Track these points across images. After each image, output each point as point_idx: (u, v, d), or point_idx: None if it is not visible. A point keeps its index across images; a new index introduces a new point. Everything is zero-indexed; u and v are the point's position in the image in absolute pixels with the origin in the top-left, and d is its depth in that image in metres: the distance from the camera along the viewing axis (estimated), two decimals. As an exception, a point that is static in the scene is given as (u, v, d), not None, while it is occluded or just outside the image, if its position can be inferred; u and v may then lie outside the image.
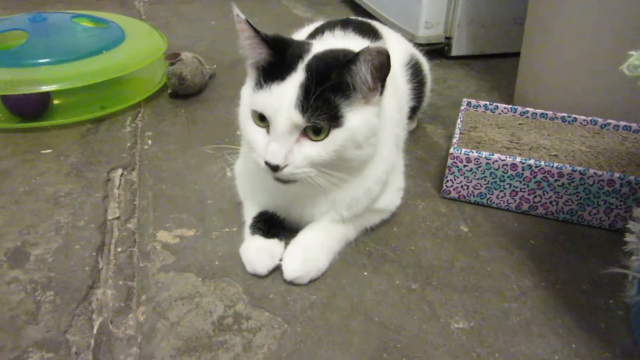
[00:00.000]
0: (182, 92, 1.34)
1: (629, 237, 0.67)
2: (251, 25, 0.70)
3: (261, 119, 0.71)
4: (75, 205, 0.94)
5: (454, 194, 0.98)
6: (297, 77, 0.69)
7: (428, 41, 1.61)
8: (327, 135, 0.69)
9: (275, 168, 0.69)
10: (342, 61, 0.68)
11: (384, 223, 0.91)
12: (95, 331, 0.70)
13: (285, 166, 0.69)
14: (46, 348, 0.67)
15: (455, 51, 1.65)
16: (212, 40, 1.80)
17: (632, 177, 0.86)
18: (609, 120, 1.07)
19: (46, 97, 1.22)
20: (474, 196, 0.97)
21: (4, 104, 1.19)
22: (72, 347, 0.67)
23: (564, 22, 1.13)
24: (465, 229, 0.92)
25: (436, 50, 1.65)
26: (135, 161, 1.09)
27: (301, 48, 0.73)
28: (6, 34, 1.30)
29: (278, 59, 0.71)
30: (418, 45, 1.23)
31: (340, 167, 0.73)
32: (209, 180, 1.03)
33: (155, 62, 1.43)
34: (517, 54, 1.36)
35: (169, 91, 1.36)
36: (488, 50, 1.67)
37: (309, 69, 0.69)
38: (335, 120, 0.69)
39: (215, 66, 1.50)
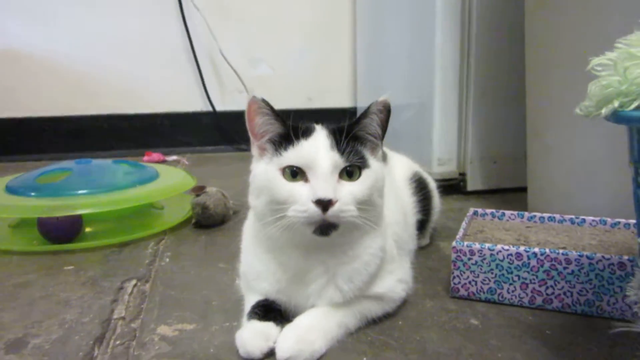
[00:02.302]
0: (205, 222, 1.42)
1: (629, 291, 0.63)
2: (268, 103, 0.78)
3: (293, 175, 0.75)
4: (83, 306, 0.96)
5: (463, 292, 0.95)
6: (322, 133, 0.78)
7: (442, 177, 1.67)
8: (359, 176, 0.76)
9: (326, 205, 0.71)
10: (354, 119, 0.79)
11: (388, 317, 0.88)
12: (75, 405, 0.67)
13: (336, 202, 0.71)
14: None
15: (470, 186, 1.70)
16: (241, 188, 1.92)
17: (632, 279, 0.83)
18: (618, 220, 1.05)
19: (78, 224, 1.31)
20: (484, 292, 0.93)
21: (39, 229, 1.29)
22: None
23: (560, 134, 1.19)
24: (476, 322, 0.87)
25: (452, 186, 1.71)
26: (150, 275, 1.12)
27: (310, 124, 0.81)
28: (53, 173, 1.45)
29: (293, 130, 0.77)
30: (435, 180, 1.29)
31: (370, 214, 0.77)
32: (218, 287, 1.04)
33: (184, 199, 1.55)
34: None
35: (193, 221, 1.44)
36: (503, 184, 1.72)
37: (330, 128, 0.79)
38: (364, 161, 0.77)
39: (240, 204, 1.60)
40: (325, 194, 0.71)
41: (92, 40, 2.53)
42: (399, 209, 1.02)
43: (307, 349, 0.74)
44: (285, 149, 0.76)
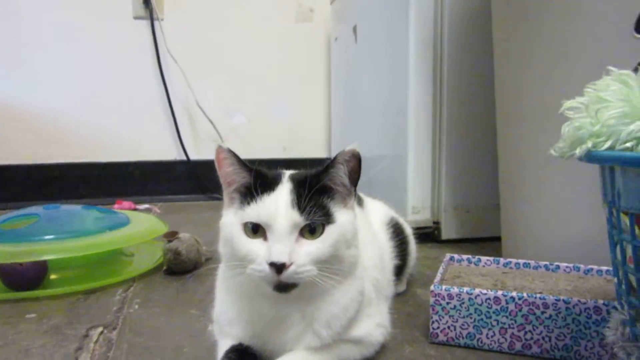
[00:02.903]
0: (177, 268, 1.38)
1: (608, 332, 0.63)
2: (234, 153, 0.78)
3: (254, 230, 0.74)
4: (45, 355, 0.91)
5: (442, 337, 0.93)
6: (285, 186, 0.75)
7: (417, 225, 1.68)
8: (322, 233, 0.73)
9: (280, 268, 0.69)
10: (321, 169, 0.77)
11: (367, 362, 0.86)
12: None
13: (291, 265, 0.70)
14: None
15: (445, 235, 1.71)
16: (214, 236, 1.89)
17: (616, 302, 0.83)
18: (591, 267, 1.07)
19: (43, 270, 1.26)
20: (462, 337, 0.92)
21: (0, 276, 1.23)
22: None
23: (531, 181, 1.22)
24: (455, 368, 0.85)
25: (427, 234, 1.72)
26: (118, 322, 1.07)
27: (276, 171, 0.81)
28: (18, 219, 1.41)
29: (261, 180, 0.77)
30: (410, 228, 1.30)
31: (335, 268, 0.75)
32: (189, 333, 1.00)
33: (154, 246, 1.51)
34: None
35: (164, 268, 1.40)
36: (477, 234, 1.74)
37: (293, 179, 0.77)
38: (327, 217, 0.74)
39: (213, 250, 1.57)
40: (278, 258, 0.70)
41: (66, 87, 2.53)
42: (376, 253, 1.01)
43: (283, 395, 0.71)
44: (249, 203, 0.75)
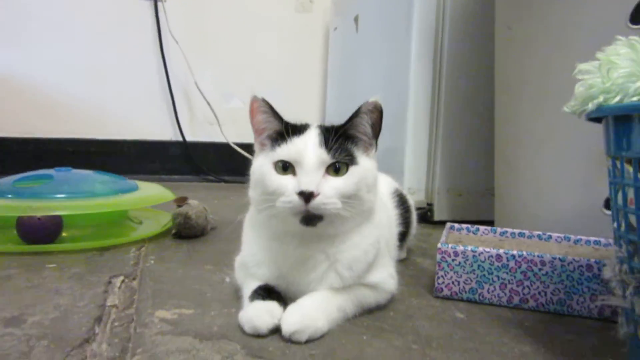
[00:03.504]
0: (186, 232, 1.43)
1: (605, 270, 0.72)
2: (267, 102, 0.85)
3: (284, 168, 0.81)
4: (75, 294, 0.96)
5: (446, 292, 1.01)
6: (314, 131, 0.83)
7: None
8: (346, 172, 0.81)
9: (308, 197, 0.76)
10: (346, 120, 0.84)
11: (379, 309, 0.93)
12: (88, 367, 0.68)
13: (318, 195, 0.77)
14: (37, 374, 0.64)
15: (437, 216, 1.80)
16: (214, 210, 1.95)
17: (607, 260, 0.92)
18: (580, 237, 1.16)
19: (58, 226, 1.30)
20: (465, 292, 1.00)
21: (18, 229, 1.27)
22: (63, 375, 0.65)
23: (526, 159, 1.31)
24: (461, 315, 0.93)
25: (421, 215, 1.80)
26: (137, 273, 1.12)
27: (306, 123, 0.88)
28: (32, 179, 1.44)
29: (289, 128, 0.84)
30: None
31: (358, 208, 0.82)
32: (209, 283, 1.06)
33: (162, 215, 1.56)
34: (492, 222, 1.52)
35: (173, 232, 1.45)
36: (466, 217, 1.83)
37: (322, 127, 0.85)
38: (352, 159, 0.82)
39: (218, 219, 1.62)
40: (307, 187, 0.77)
41: (65, 63, 2.55)
42: (385, 216, 1.08)
43: (312, 325, 0.78)
44: (280, 145, 0.83)
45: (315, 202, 0.77)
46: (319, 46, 2.84)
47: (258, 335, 0.78)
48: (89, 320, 0.83)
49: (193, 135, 2.73)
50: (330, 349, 0.76)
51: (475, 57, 1.76)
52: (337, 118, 0.87)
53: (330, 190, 0.79)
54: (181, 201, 1.45)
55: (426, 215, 1.82)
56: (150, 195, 1.50)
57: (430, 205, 1.81)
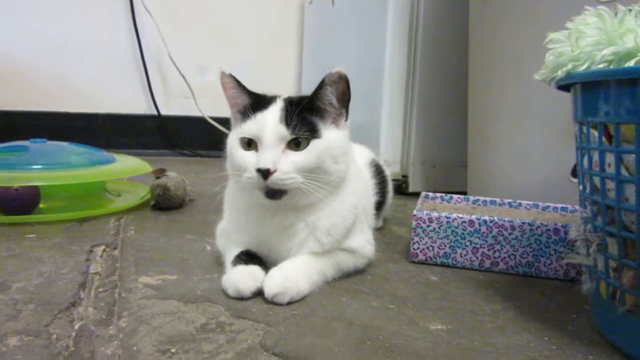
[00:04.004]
0: (165, 203, 1.44)
1: (571, 230, 0.76)
2: (234, 78, 0.87)
3: (249, 144, 0.83)
4: (57, 263, 0.96)
5: (421, 257, 1.05)
6: (278, 105, 0.84)
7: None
8: (307, 146, 0.81)
9: (266, 174, 0.78)
10: (311, 92, 0.85)
11: (358, 273, 0.96)
12: (76, 328, 0.69)
13: (275, 171, 0.78)
14: (26, 334, 0.65)
15: (412, 187, 1.84)
16: (191, 183, 1.95)
17: (572, 224, 0.97)
18: (548, 204, 1.21)
19: (36, 198, 1.29)
20: (439, 257, 1.04)
21: (-5, 201, 1.26)
22: (52, 334, 0.66)
23: (498, 129, 1.35)
24: (435, 278, 0.97)
25: (396, 187, 1.84)
26: (117, 242, 1.13)
27: (274, 95, 0.89)
28: (7, 150, 1.42)
29: (258, 101, 0.86)
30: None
31: (323, 179, 0.83)
32: (190, 251, 1.08)
33: (139, 187, 1.56)
34: (465, 193, 1.56)
35: (152, 203, 1.45)
36: (441, 188, 1.87)
37: (287, 100, 0.85)
38: (314, 133, 0.82)
39: (196, 192, 1.63)
40: (264, 164, 0.79)
41: (34, 35, 2.48)
42: (363, 186, 1.11)
43: (293, 287, 0.81)
44: (246, 120, 0.85)
45: (272, 179, 0.79)
46: (295, 19, 2.83)
47: (241, 298, 0.81)
48: (74, 286, 0.84)
49: (168, 108, 2.71)
50: (311, 309, 0.79)
51: (451, 30, 1.78)
52: (313, 88, 0.88)
53: (288, 165, 0.80)
54: (160, 173, 1.45)
55: (401, 187, 1.86)
56: (127, 166, 1.50)
57: (405, 177, 1.85)
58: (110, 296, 0.82)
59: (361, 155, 1.27)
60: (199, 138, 2.69)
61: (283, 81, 2.87)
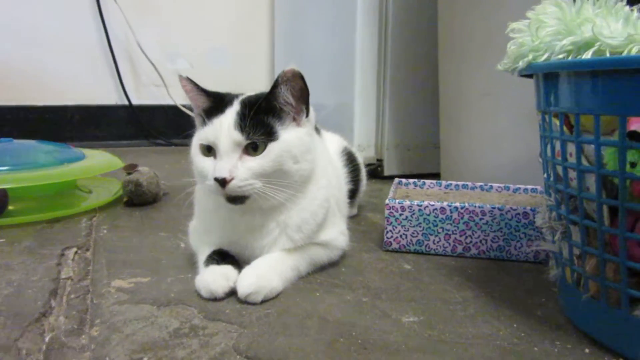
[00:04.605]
0: (138, 200, 1.42)
1: (538, 218, 0.77)
2: (192, 81, 0.85)
3: (208, 150, 0.83)
4: (28, 269, 0.95)
5: (395, 245, 1.06)
6: (234, 108, 0.83)
7: (363, 162, 1.81)
8: (265, 149, 0.80)
9: (222, 183, 0.78)
10: (267, 91, 0.83)
11: (332, 265, 0.97)
12: (46, 340, 0.69)
13: (232, 180, 0.78)
14: (-6, 350, 0.65)
15: (387, 171, 1.85)
16: (165, 175, 1.93)
17: (540, 207, 0.99)
18: (519, 186, 1.23)
19: (3, 200, 1.26)
20: (413, 244, 1.05)
21: (-40, 205, 1.23)
22: (22, 349, 0.65)
23: (469, 115, 1.36)
24: (408, 267, 0.98)
25: (371, 171, 1.85)
26: (90, 243, 1.12)
27: (234, 94, 0.88)
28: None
29: (217, 103, 0.85)
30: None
31: (284, 181, 0.82)
32: (164, 249, 1.07)
33: (111, 183, 1.54)
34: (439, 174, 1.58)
35: (125, 199, 1.44)
36: (416, 170, 1.89)
37: (243, 102, 0.83)
38: (270, 136, 0.81)
39: (170, 185, 1.61)
40: (220, 174, 0.78)
41: (-4, 26, 2.40)
42: (334, 175, 1.11)
43: (267, 285, 0.81)
44: (204, 125, 0.84)
45: (230, 187, 0.78)
46: (265, 6, 2.77)
47: (215, 299, 0.81)
48: (44, 294, 0.83)
49: (139, 98, 2.65)
50: (285, 306, 0.79)
51: (422, 14, 1.77)
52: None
53: (244, 172, 0.79)
54: (131, 168, 1.43)
55: (376, 171, 1.86)
56: (98, 164, 1.47)
57: (380, 161, 1.85)
58: (82, 303, 0.81)
59: (333, 144, 1.26)
60: (173, 127, 2.65)
61: (255, 68, 2.82)
